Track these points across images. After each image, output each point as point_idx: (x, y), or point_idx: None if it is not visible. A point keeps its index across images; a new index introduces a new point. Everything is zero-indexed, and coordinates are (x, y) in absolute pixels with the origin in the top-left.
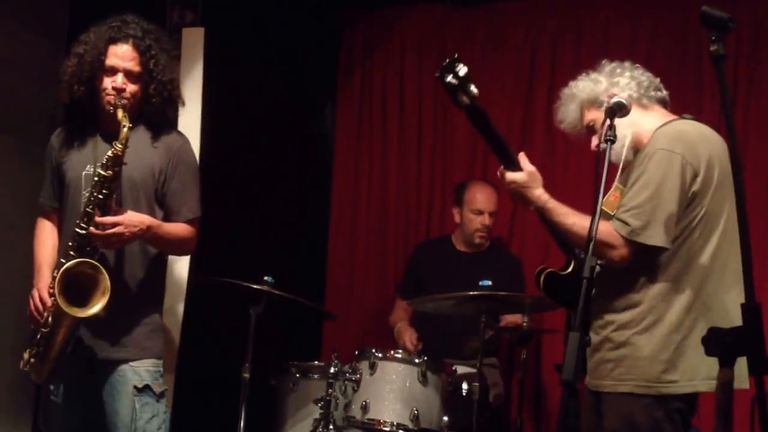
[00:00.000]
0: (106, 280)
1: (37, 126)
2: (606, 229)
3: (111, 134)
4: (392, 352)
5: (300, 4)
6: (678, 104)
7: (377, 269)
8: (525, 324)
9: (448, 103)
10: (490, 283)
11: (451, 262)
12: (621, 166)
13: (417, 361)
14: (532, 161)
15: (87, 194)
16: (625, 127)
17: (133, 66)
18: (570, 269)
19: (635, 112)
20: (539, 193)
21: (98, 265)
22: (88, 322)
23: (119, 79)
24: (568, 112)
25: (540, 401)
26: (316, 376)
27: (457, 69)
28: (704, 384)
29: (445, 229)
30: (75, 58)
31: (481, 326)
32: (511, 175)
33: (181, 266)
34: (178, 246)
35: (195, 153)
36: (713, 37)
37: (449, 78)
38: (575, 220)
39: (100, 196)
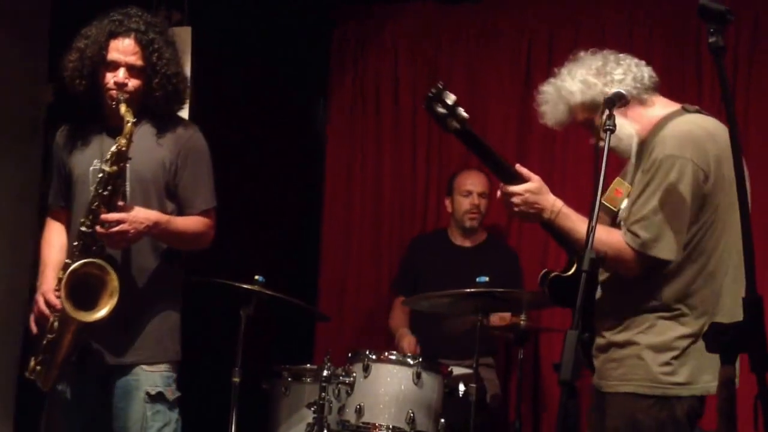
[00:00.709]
0: (114, 281)
1: (20, 127)
2: (618, 241)
3: (116, 129)
4: (386, 353)
5: (290, 1)
6: (677, 98)
7: (371, 270)
8: (522, 323)
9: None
10: (487, 279)
11: (447, 256)
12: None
13: (411, 362)
14: (531, 158)
15: (93, 191)
16: (627, 126)
17: (136, 60)
18: (573, 270)
19: (636, 109)
20: (553, 199)
21: (105, 265)
22: (99, 324)
23: (121, 73)
24: (556, 113)
25: (538, 401)
26: (308, 379)
27: (445, 98)
28: (712, 387)
29: (443, 219)
30: (76, 53)
31: (477, 324)
32: (518, 187)
33: None
34: (191, 240)
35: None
36: (711, 30)
37: (439, 108)
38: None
39: (105, 193)
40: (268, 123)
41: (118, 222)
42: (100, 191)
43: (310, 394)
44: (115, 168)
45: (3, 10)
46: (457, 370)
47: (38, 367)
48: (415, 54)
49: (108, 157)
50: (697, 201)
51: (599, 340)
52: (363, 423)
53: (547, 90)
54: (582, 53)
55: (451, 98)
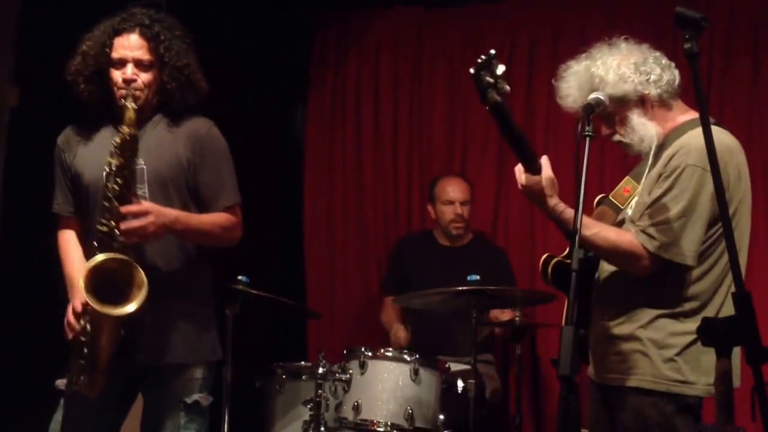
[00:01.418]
0: (140, 274)
1: None
2: (631, 241)
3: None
4: (382, 350)
5: (270, 3)
6: None
7: (358, 266)
8: (517, 319)
9: (423, 101)
10: (478, 277)
11: (435, 256)
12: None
13: (408, 359)
14: (512, 162)
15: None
16: (651, 128)
17: (143, 54)
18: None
19: (660, 112)
20: (554, 203)
21: (128, 259)
22: (131, 326)
23: (129, 70)
24: (579, 96)
25: (538, 396)
26: (303, 377)
27: (495, 68)
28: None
29: (426, 223)
30: (79, 56)
31: (472, 322)
32: (528, 179)
33: None
34: (218, 235)
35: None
36: (687, 36)
37: (487, 77)
38: (597, 231)
39: (116, 187)
40: (248, 125)
41: (140, 213)
42: (109, 185)
43: (306, 392)
44: (121, 159)
45: None
46: (455, 367)
47: (82, 377)
48: (397, 59)
49: (112, 149)
50: (713, 215)
51: (599, 330)
52: (361, 420)
53: (577, 70)
54: (617, 40)
55: (500, 68)
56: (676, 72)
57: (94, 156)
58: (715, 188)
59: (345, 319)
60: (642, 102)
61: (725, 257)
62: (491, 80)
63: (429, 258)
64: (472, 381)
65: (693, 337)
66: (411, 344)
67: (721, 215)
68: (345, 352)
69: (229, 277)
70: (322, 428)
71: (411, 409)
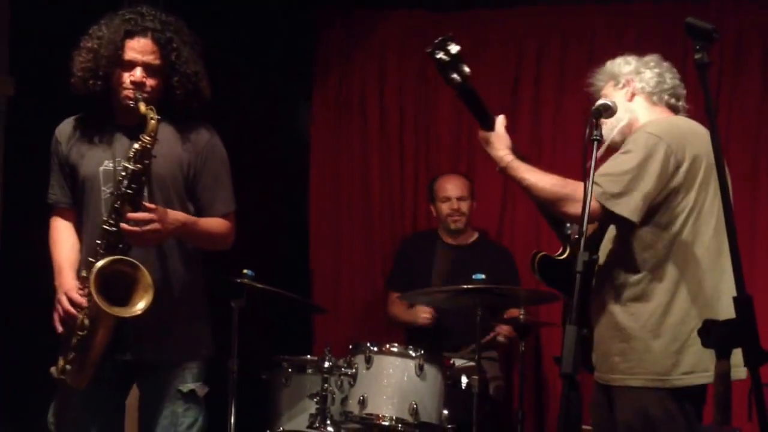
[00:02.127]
0: (146, 277)
1: None
2: (576, 187)
3: (129, 128)
4: (388, 345)
5: (276, 2)
6: None
7: (364, 261)
8: (522, 317)
9: (430, 100)
10: (483, 276)
11: (440, 255)
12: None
13: (414, 354)
14: None
15: (109, 190)
16: (623, 111)
17: (153, 59)
18: (565, 255)
19: (640, 102)
20: (503, 154)
21: (136, 262)
22: (130, 323)
23: (138, 73)
24: (598, 80)
25: (541, 393)
26: (309, 370)
27: (449, 47)
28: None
29: (432, 221)
30: (89, 53)
31: (477, 320)
32: (481, 133)
33: None
34: (215, 241)
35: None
36: (698, 47)
37: (440, 55)
38: (540, 175)
39: (129, 191)
40: (254, 124)
41: (149, 221)
42: (123, 189)
43: (312, 385)
44: (139, 165)
45: None
46: (460, 363)
47: (68, 366)
48: (402, 59)
49: (132, 154)
50: (664, 184)
51: (599, 330)
52: (366, 414)
53: (620, 59)
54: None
55: (455, 48)
56: (680, 85)
57: (90, 154)
58: (720, 185)
59: (350, 314)
60: (626, 85)
61: (703, 242)
62: (447, 59)
63: (434, 256)
64: (476, 377)
65: (693, 328)
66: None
67: (725, 215)
68: (351, 347)
69: (235, 271)
70: (329, 421)
71: (416, 404)
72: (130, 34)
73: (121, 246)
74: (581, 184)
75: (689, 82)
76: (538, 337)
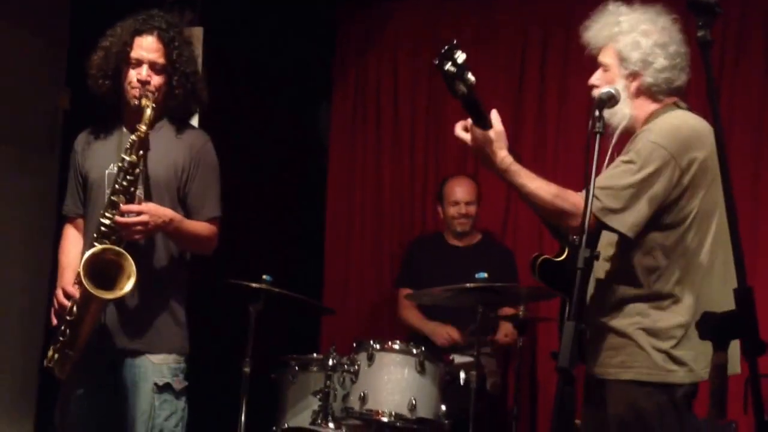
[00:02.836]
0: (131, 265)
1: (38, 135)
2: (575, 199)
3: (136, 130)
4: (390, 343)
5: (297, 1)
6: None
7: (373, 264)
8: (521, 313)
9: (441, 98)
10: (486, 275)
11: (444, 255)
12: (608, 159)
13: (415, 351)
14: (523, 157)
15: (113, 183)
16: (628, 108)
17: (158, 57)
18: (564, 256)
19: (643, 100)
20: (503, 155)
21: (122, 250)
22: (111, 313)
23: (144, 71)
24: (598, 37)
25: (536, 389)
26: (314, 368)
27: (456, 56)
28: (707, 372)
29: (440, 222)
30: (101, 51)
31: (478, 317)
32: (476, 131)
33: None
34: (199, 243)
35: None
36: (700, 23)
37: (448, 65)
38: (540, 184)
39: (125, 183)
40: (274, 122)
41: (139, 213)
42: (119, 180)
43: (316, 383)
44: (134, 157)
45: (23, 13)
46: (459, 359)
47: (56, 355)
48: (415, 52)
49: (128, 146)
50: (665, 198)
51: (594, 326)
52: (366, 410)
53: (611, 11)
54: (666, 16)
55: (461, 57)
56: (684, 78)
57: (98, 157)
58: (722, 180)
59: (357, 314)
60: (632, 78)
61: (706, 246)
62: (454, 70)
63: (439, 258)
64: (474, 373)
65: (686, 326)
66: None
67: (726, 203)
68: (354, 344)
69: (254, 274)
70: (330, 417)
71: (415, 400)
72: (139, 32)
73: (113, 237)
74: (581, 197)
75: (692, 65)
76: (535, 334)
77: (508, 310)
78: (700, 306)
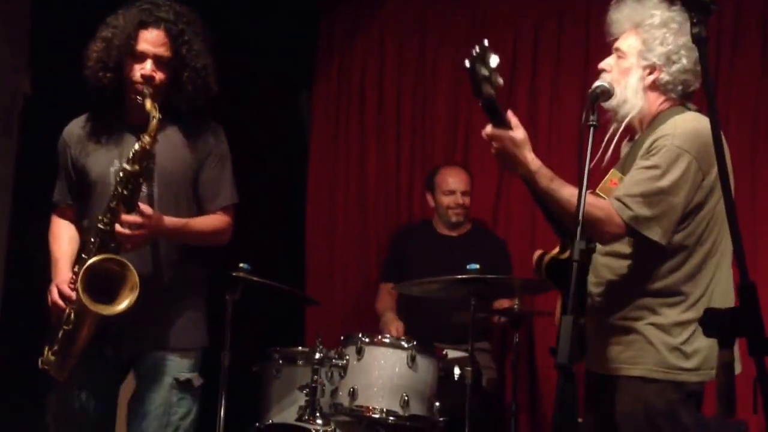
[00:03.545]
0: (134, 277)
1: None
2: (604, 206)
3: (138, 127)
4: (379, 337)
5: None
6: None
7: (358, 253)
8: (516, 307)
9: (428, 87)
10: (477, 266)
11: (434, 245)
12: (605, 154)
13: (406, 345)
14: None
15: (113, 190)
16: (639, 98)
17: (164, 52)
18: (567, 253)
19: (656, 96)
20: (532, 157)
21: (125, 261)
22: (121, 315)
23: (148, 65)
24: (626, 21)
25: (534, 385)
26: (300, 362)
27: (489, 59)
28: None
29: (427, 212)
30: (102, 43)
31: (471, 310)
32: (501, 132)
33: None
34: (210, 240)
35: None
36: (695, 20)
37: (481, 69)
38: (573, 191)
39: (125, 192)
40: (254, 110)
41: (139, 225)
42: (120, 190)
43: (302, 377)
44: (137, 167)
45: None
46: (452, 354)
47: (52, 357)
48: (403, 44)
49: (131, 155)
50: (690, 202)
51: (598, 321)
52: (356, 406)
53: (661, 14)
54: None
55: (495, 60)
56: (697, 86)
57: (99, 154)
58: (720, 176)
59: (342, 305)
60: (650, 71)
61: (719, 241)
62: (486, 73)
63: (428, 247)
64: (469, 368)
65: (696, 324)
66: (407, 332)
67: (725, 200)
68: (342, 338)
69: (231, 264)
70: (318, 414)
71: (407, 396)
72: (144, 25)
73: (113, 245)
74: (609, 203)
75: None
76: (531, 328)
77: (502, 303)
78: (711, 303)
